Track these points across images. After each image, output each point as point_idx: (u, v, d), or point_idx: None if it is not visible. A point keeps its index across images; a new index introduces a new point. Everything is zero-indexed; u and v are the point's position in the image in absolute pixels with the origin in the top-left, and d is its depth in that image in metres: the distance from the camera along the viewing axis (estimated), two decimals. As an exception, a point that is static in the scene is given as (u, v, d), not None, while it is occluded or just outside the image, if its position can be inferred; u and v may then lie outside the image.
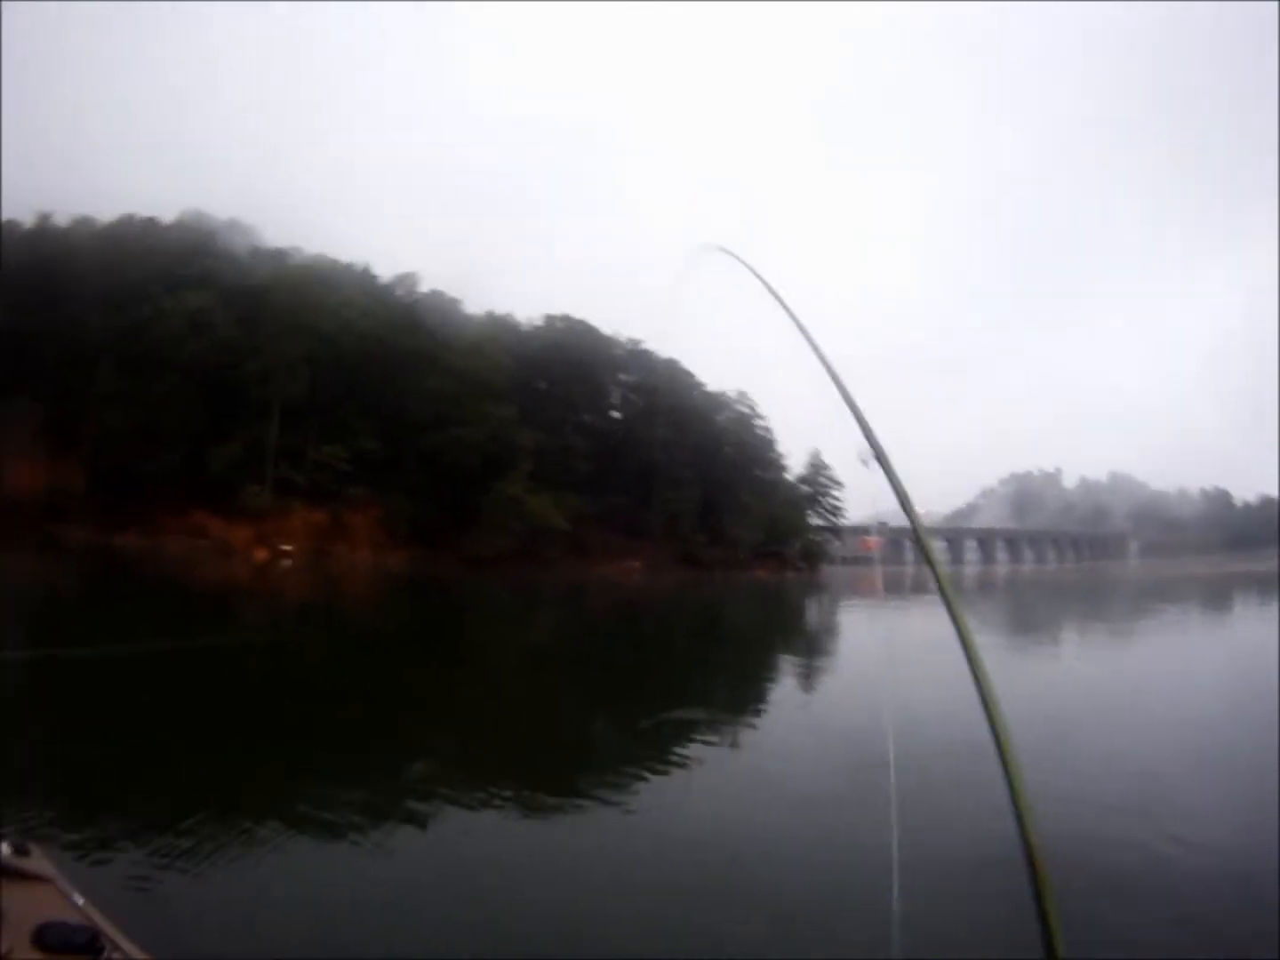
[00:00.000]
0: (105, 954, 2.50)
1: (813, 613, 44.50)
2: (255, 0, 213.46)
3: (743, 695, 16.70)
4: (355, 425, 63.20)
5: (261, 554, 57.62)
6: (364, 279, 72.01)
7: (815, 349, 2.43)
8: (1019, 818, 1.69)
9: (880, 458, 2.19)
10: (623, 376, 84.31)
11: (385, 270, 75.43)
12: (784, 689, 17.94)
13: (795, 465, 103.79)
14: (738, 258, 2.90)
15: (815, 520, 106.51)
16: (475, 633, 27.03)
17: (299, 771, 9.86)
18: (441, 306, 71.76)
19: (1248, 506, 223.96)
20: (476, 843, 7.69)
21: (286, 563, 55.64)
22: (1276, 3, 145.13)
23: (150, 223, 70.76)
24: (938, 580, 1.99)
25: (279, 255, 70.58)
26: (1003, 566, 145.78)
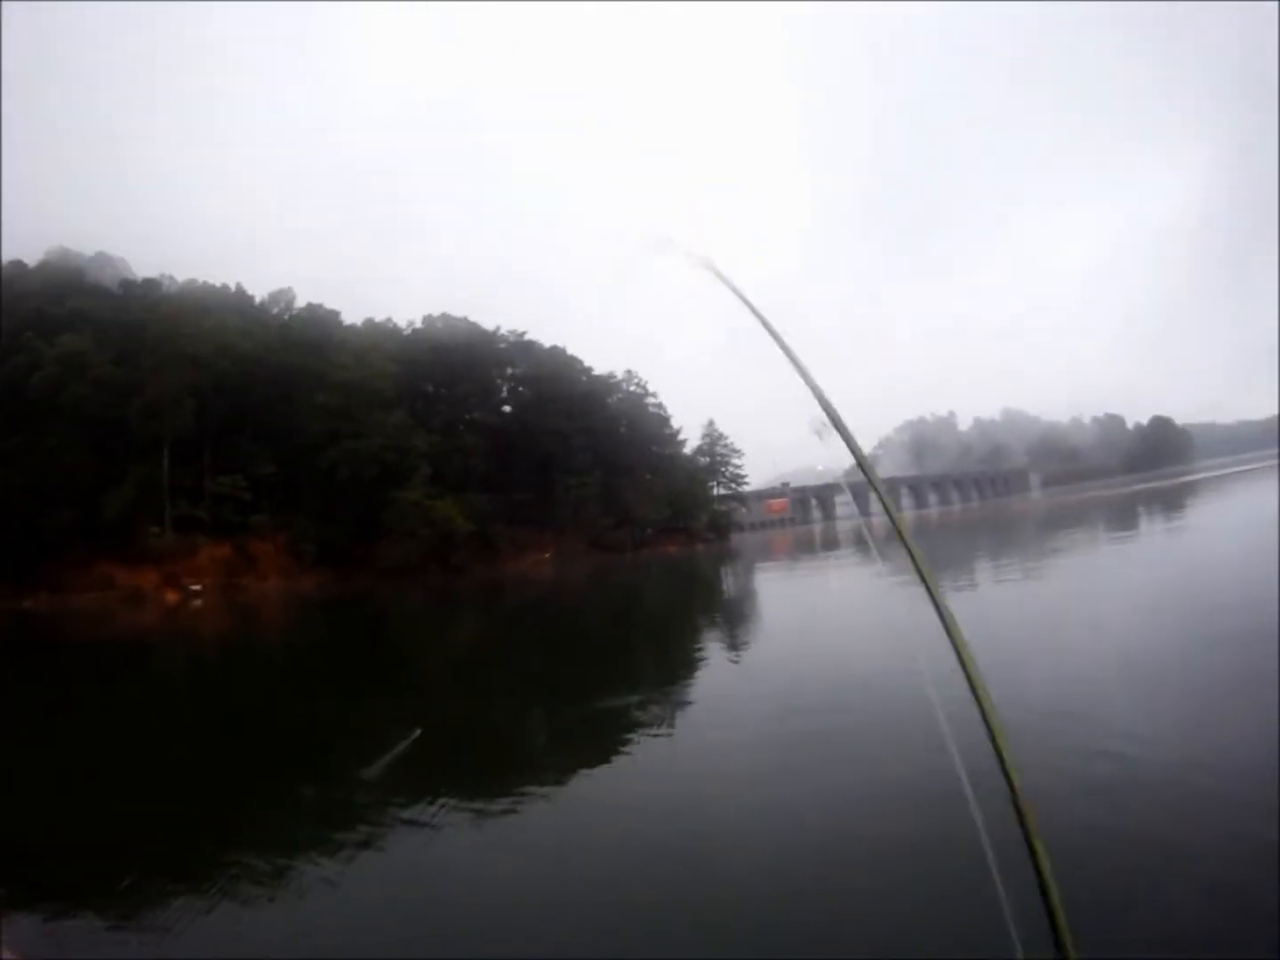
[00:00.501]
0: None
1: (728, 581, 44.76)
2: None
3: (671, 673, 16.49)
4: (249, 452, 62.63)
5: (171, 596, 56.99)
6: (239, 300, 71.47)
7: (765, 324, 2.41)
8: (1007, 778, 1.65)
9: (837, 424, 2.22)
10: (510, 370, 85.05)
11: (259, 289, 74.95)
12: (711, 660, 17.73)
13: (691, 438, 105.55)
14: (706, 263, 2.71)
15: (719, 490, 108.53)
16: (392, 646, 27.26)
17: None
18: (320, 319, 71.74)
19: (1140, 428, 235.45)
20: (423, 853, 7.56)
21: (197, 602, 54.54)
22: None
23: (17, 265, 69.17)
24: (902, 539, 2.01)
25: (150, 285, 69.69)
26: (908, 513, 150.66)
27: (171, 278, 70.30)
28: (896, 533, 1.98)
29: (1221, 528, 35.59)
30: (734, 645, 19.51)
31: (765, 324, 2.45)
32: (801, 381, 2.30)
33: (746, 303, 2.57)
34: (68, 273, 69.03)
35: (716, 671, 15.98)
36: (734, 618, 26.57)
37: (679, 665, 17.17)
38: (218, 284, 71.62)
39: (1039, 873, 1.52)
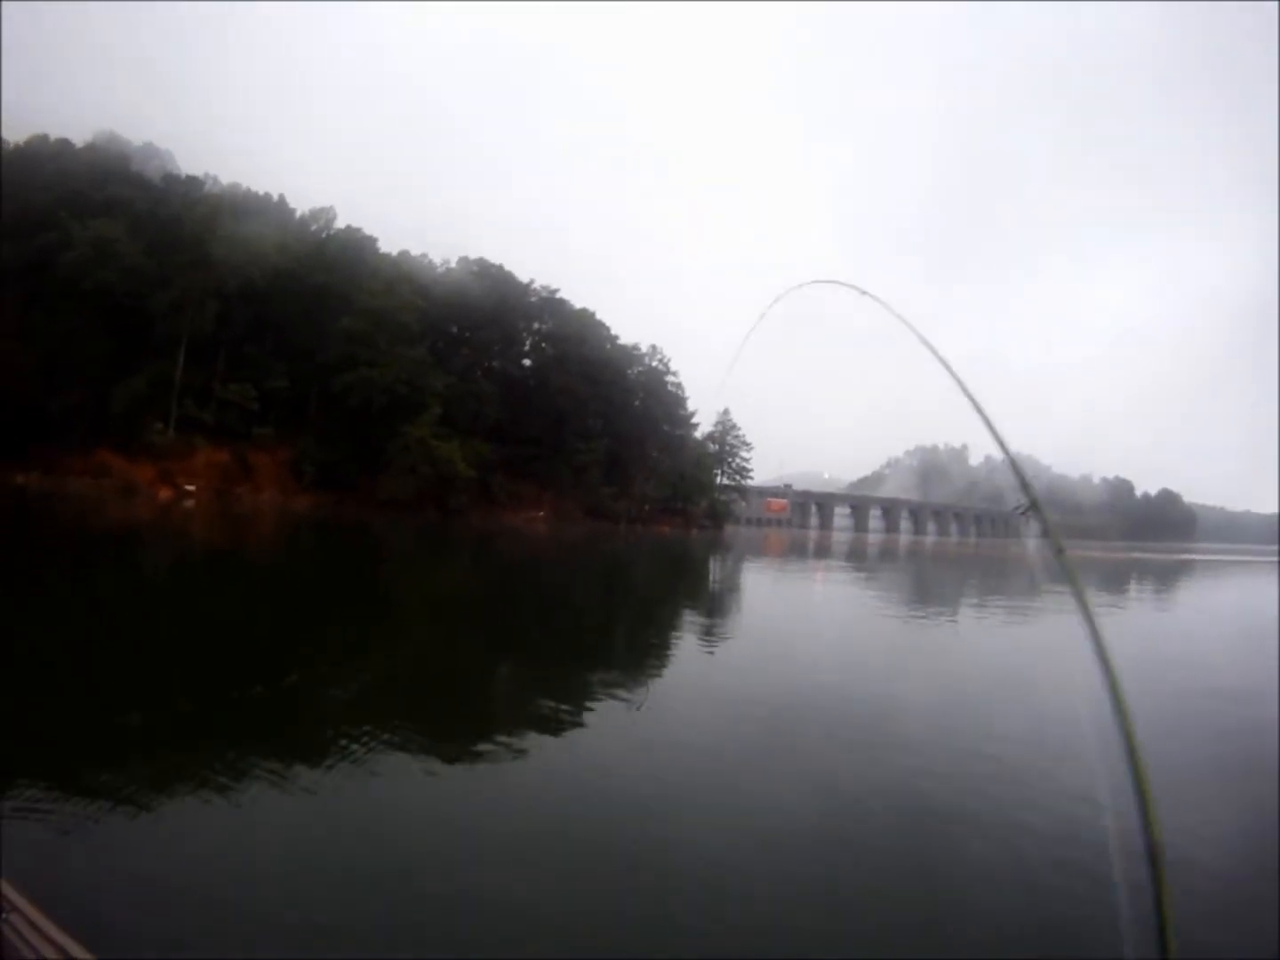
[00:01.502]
0: (3, 915, 2.56)
1: (717, 571, 45.25)
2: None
3: (639, 657, 16.50)
4: (265, 363, 63.20)
5: (165, 493, 57.82)
6: (280, 211, 71.62)
7: (949, 370, 2.44)
8: (1143, 810, 1.73)
9: (1009, 458, 2.30)
10: (536, 324, 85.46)
11: (302, 202, 74.99)
12: (681, 651, 17.47)
13: (704, 423, 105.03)
14: (859, 289, 2.97)
15: (722, 479, 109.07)
16: (372, 578, 27.17)
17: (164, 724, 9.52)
18: (357, 243, 71.99)
19: (1147, 497, 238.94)
20: (376, 797, 7.48)
21: (189, 503, 55.61)
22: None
23: (63, 144, 69.60)
24: (1074, 588, 2.09)
25: (193, 183, 69.83)
26: (906, 537, 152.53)
27: (215, 178, 70.57)
28: (1064, 572, 2.15)
29: (1208, 614, 36.52)
30: (709, 637, 19.43)
31: (933, 351, 2.69)
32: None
33: (915, 331, 2.84)
34: (113, 158, 69.10)
35: (684, 663, 15.84)
36: (716, 610, 26.71)
37: (650, 649, 17.46)
38: (261, 192, 71.62)
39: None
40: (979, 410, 2.49)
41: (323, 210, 73.51)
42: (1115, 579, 51.81)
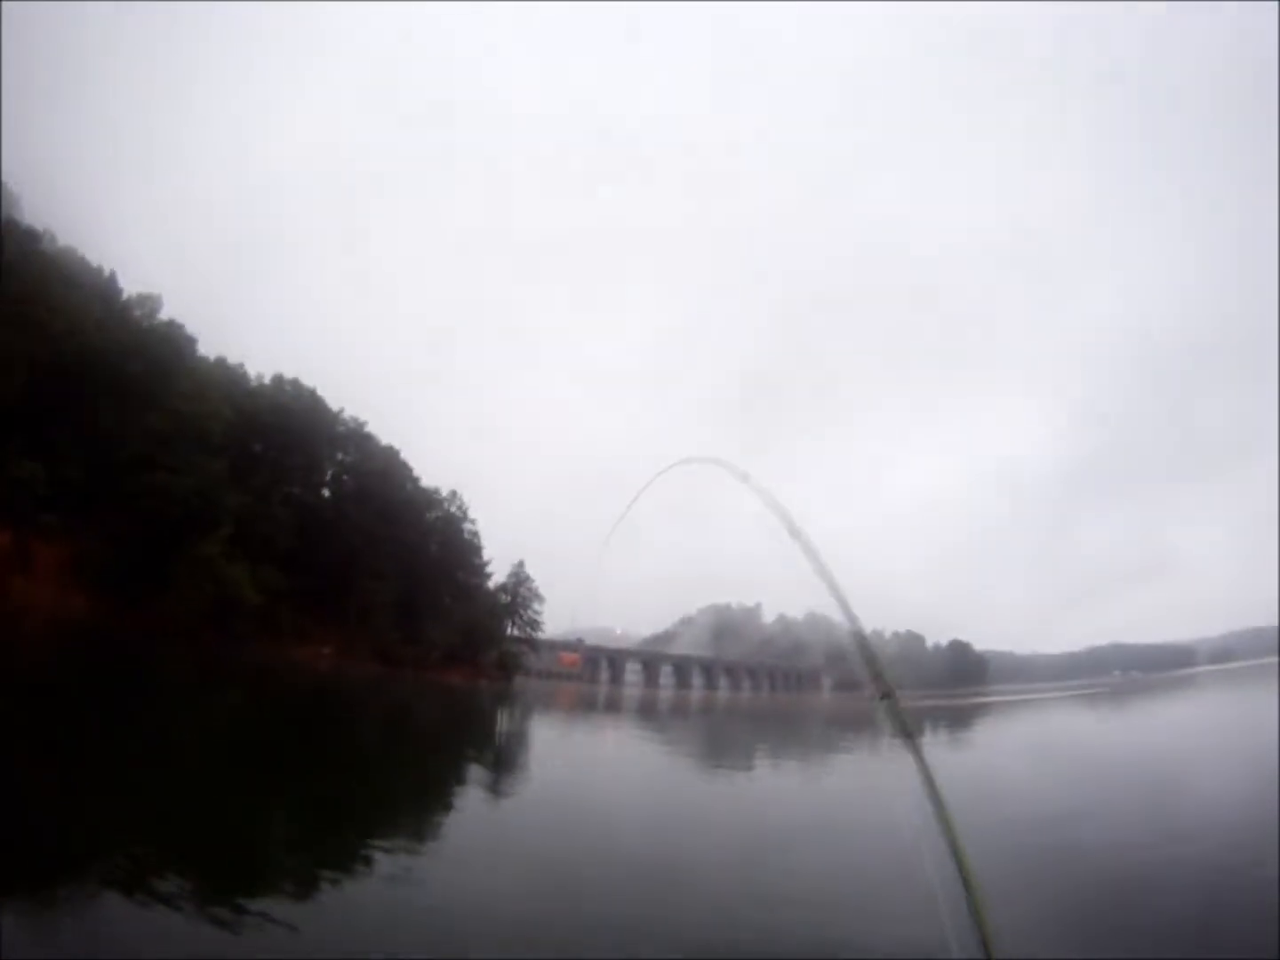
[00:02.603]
0: None
1: (513, 725, 45.77)
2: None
3: (420, 813, 16.50)
4: (62, 448, 58.76)
5: None
6: (107, 289, 68.72)
7: (814, 557, 2.86)
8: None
9: (859, 637, 2.72)
10: (340, 455, 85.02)
11: (131, 282, 71.91)
12: (475, 808, 17.63)
13: (498, 573, 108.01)
14: (722, 463, 3.26)
15: (514, 630, 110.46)
16: (152, 711, 25.27)
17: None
18: (176, 339, 70.17)
19: (939, 648, 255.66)
20: None
21: None
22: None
23: None
24: (877, 678, 2.45)
25: (30, 236, 65.24)
26: (697, 693, 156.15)
27: (53, 237, 66.93)
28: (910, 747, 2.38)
29: (997, 752, 40.39)
30: (495, 797, 19.48)
31: (798, 538, 3.09)
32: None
33: (785, 521, 3.13)
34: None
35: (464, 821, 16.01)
36: (500, 763, 27.07)
37: (431, 806, 17.41)
38: (94, 264, 68.86)
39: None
40: (836, 593, 2.76)
41: (149, 297, 71.35)
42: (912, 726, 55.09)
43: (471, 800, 17.83)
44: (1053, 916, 9.08)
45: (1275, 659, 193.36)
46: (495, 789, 20.00)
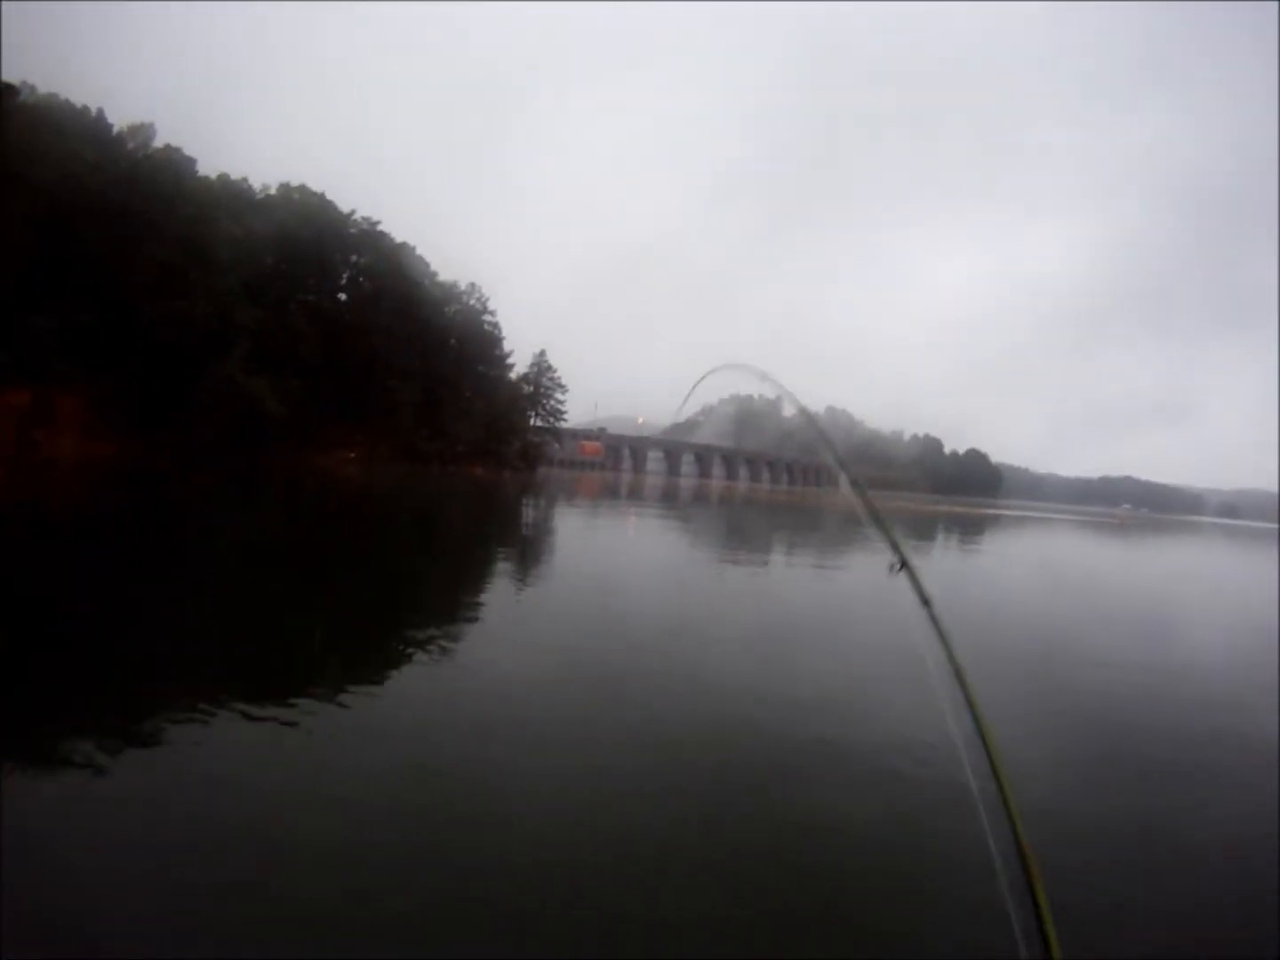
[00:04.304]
0: None
1: (538, 514, 46.35)
2: None
3: (467, 607, 16.52)
4: (71, 295, 58.27)
5: None
6: (96, 128, 66.25)
7: (815, 423, 2.99)
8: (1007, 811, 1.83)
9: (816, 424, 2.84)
10: (354, 257, 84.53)
11: (120, 113, 69.69)
12: (508, 599, 17.72)
13: (520, 362, 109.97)
14: (752, 369, 3.45)
15: (536, 421, 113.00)
16: (187, 535, 25.25)
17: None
18: (175, 164, 68.20)
19: (956, 455, 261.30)
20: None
21: None
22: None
23: None
24: (895, 550, 2.31)
25: (8, 91, 60.67)
26: (718, 482, 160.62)
27: (33, 87, 64.05)
28: (873, 519, 2.58)
29: (1005, 561, 42.49)
30: (525, 585, 19.90)
31: (811, 419, 3.30)
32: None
33: (801, 405, 3.51)
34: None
35: (501, 615, 15.96)
36: (526, 553, 27.31)
37: (466, 600, 17.30)
38: (79, 104, 66.13)
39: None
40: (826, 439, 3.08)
41: (141, 127, 69.12)
42: (925, 529, 58.02)
43: (499, 592, 18.36)
44: (1058, 745, 10.04)
45: (1276, 525, 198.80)
46: (522, 579, 20.57)
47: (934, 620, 2.35)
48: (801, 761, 8.78)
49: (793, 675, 12.70)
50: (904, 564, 2.51)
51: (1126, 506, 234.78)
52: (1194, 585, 40.08)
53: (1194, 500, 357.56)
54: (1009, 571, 37.11)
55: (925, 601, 2.46)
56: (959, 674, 2.18)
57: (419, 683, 10.47)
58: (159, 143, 69.61)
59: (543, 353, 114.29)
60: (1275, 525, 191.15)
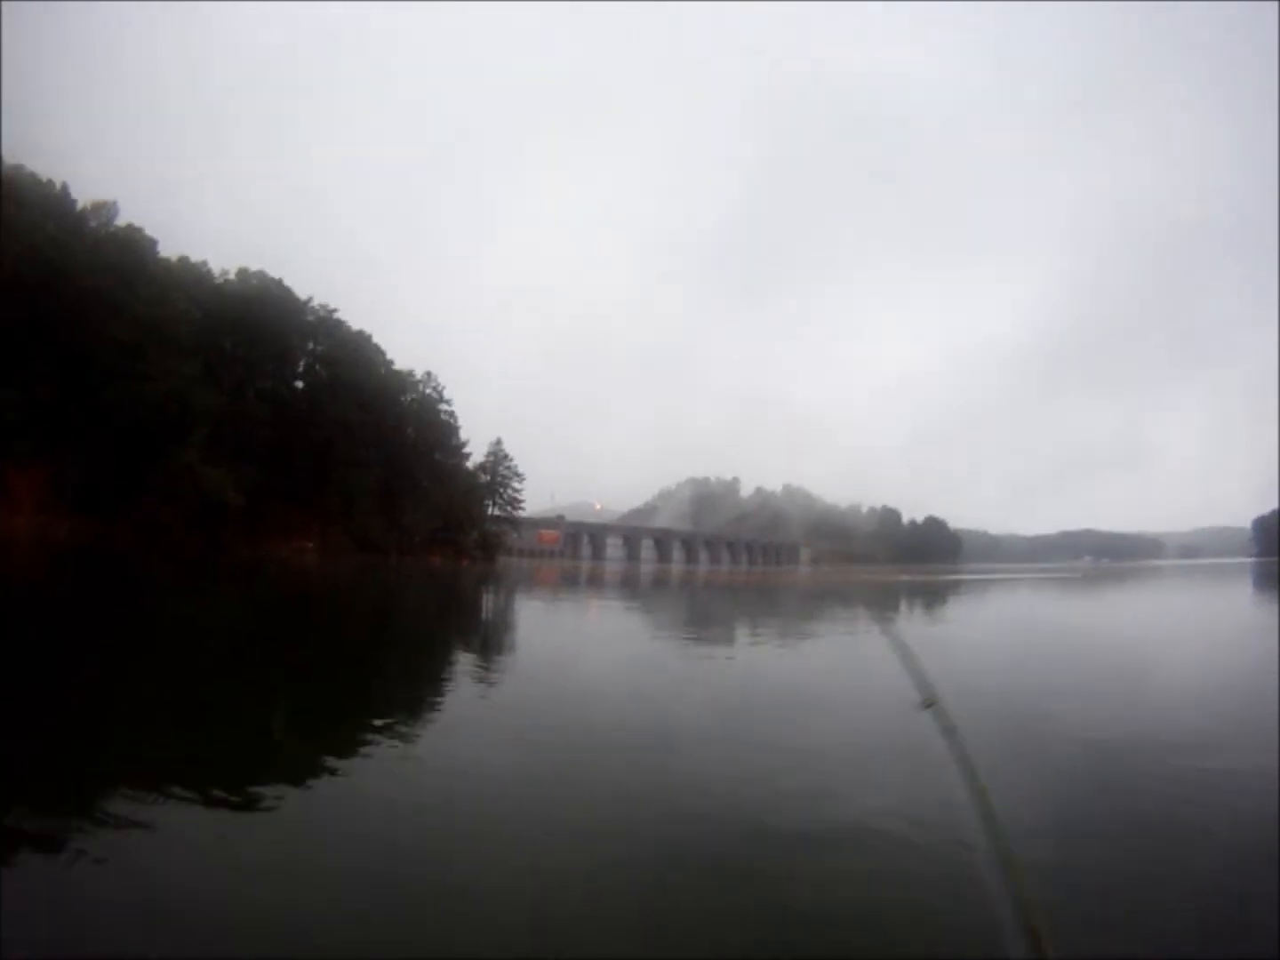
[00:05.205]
0: None
1: (497, 604, 45.76)
2: None
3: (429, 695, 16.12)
4: (32, 371, 58.04)
5: None
6: (60, 202, 66.25)
7: None
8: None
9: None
10: (312, 344, 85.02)
11: (82, 189, 69.51)
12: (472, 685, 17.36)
13: (476, 452, 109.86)
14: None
15: (494, 510, 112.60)
16: (141, 619, 24.90)
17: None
18: (136, 245, 68.19)
19: (914, 524, 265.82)
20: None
21: None
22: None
23: None
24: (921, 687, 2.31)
25: None
26: (678, 566, 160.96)
27: None
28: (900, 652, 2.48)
29: (972, 627, 42.72)
30: (489, 672, 19.31)
31: None
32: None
33: None
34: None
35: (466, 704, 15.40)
36: (487, 644, 26.74)
37: (422, 690, 16.79)
38: (44, 178, 65.84)
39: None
40: None
41: (104, 205, 69.41)
42: (888, 600, 57.76)
43: (460, 681, 17.89)
44: (1043, 789, 9.85)
45: (1241, 559, 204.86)
46: (484, 668, 20.02)
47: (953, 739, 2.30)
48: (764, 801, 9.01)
49: (769, 747, 12.41)
50: (930, 704, 2.52)
51: (1087, 559, 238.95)
52: (1159, 629, 40.21)
53: (1153, 544, 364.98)
54: (971, 637, 36.89)
55: (950, 730, 2.42)
56: (971, 773, 2.10)
57: (368, 778, 9.90)
58: (121, 221, 69.78)
59: (499, 441, 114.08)
60: (1237, 560, 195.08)
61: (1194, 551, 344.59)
